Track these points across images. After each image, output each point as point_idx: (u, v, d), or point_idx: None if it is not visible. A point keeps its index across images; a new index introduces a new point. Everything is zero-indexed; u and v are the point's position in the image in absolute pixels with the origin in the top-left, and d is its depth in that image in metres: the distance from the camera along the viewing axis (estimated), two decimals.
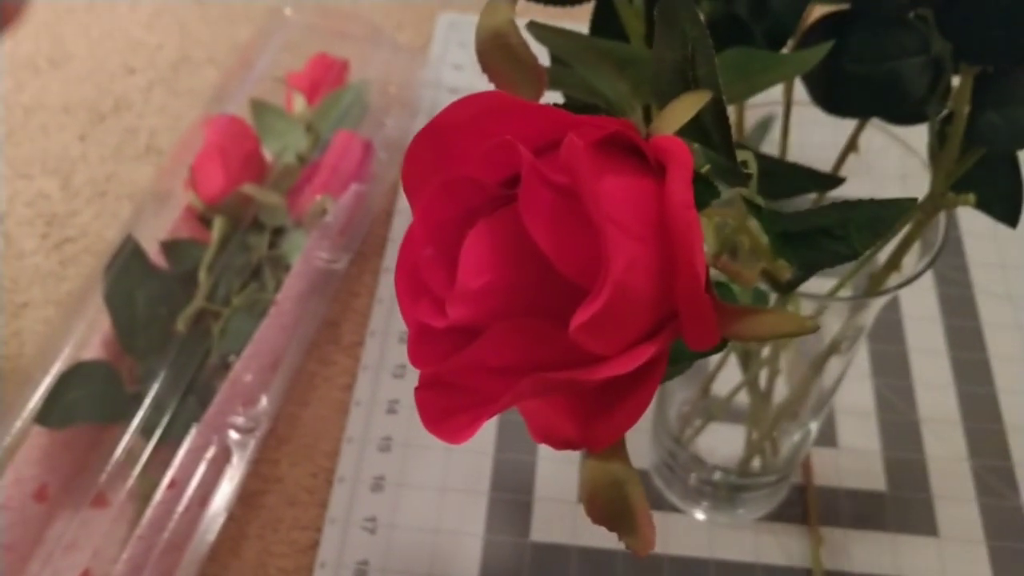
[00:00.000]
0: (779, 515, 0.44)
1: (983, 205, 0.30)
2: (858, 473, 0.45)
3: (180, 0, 0.68)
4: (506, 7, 0.18)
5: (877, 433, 0.47)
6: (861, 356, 0.49)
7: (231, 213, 0.50)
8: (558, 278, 0.16)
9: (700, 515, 0.44)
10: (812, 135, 0.34)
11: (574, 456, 0.46)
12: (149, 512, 0.38)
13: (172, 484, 0.39)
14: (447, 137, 0.17)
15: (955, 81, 0.28)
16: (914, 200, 0.18)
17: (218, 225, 0.49)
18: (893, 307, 0.51)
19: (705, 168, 0.19)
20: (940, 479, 0.45)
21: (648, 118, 0.22)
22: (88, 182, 0.58)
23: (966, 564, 0.43)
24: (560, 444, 0.17)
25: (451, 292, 0.16)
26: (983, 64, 0.27)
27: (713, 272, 0.20)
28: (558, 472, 0.45)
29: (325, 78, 0.56)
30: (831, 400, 0.41)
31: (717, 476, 0.43)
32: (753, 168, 0.20)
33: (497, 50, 0.18)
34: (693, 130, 0.19)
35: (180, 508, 0.39)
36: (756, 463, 0.42)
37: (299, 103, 0.55)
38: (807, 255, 0.18)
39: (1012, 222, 0.29)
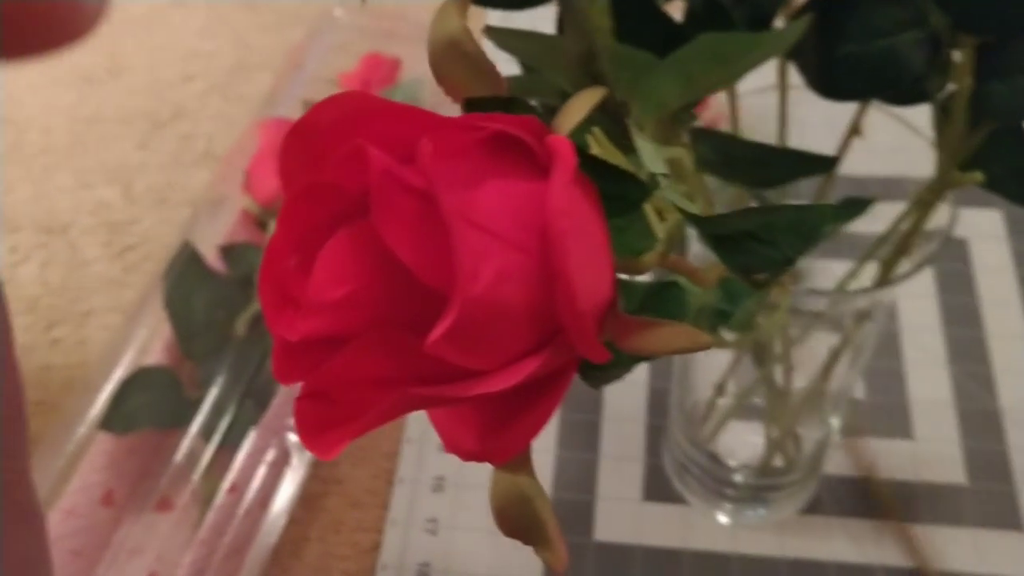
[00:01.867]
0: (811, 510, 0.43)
1: (994, 184, 0.28)
2: (934, 465, 0.43)
3: (233, 7, 0.69)
4: (458, 13, 0.17)
5: (955, 423, 0.45)
6: (937, 342, 0.47)
7: None
8: (424, 289, 0.14)
9: (723, 518, 0.42)
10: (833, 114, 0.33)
11: (637, 454, 0.45)
12: (210, 516, 0.38)
13: (233, 488, 0.39)
14: (315, 140, 0.16)
15: (955, 56, 0.27)
16: (832, 207, 0.16)
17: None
18: (968, 290, 0.49)
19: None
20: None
21: (612, 113, 0.21)
22: (148, 190, 0.58)
23: None
24: (463, 455, 0.16)
25: (292, 305, 0.15)
26: (984, 35, 0.26)
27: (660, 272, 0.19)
28: (621, 470, 0.44)
29: (376, 76, 0.55)
30: (849, 394, 0.39)
31: (738, 478, 0.41)
32: (686, 166, 0.18)
33: (452, 59, 0.17)
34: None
35: (241, 511, 0.39)
36: (779, 461, 0.40)
37: None
38: (741, 260, 0.17)
39: None
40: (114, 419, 0.42)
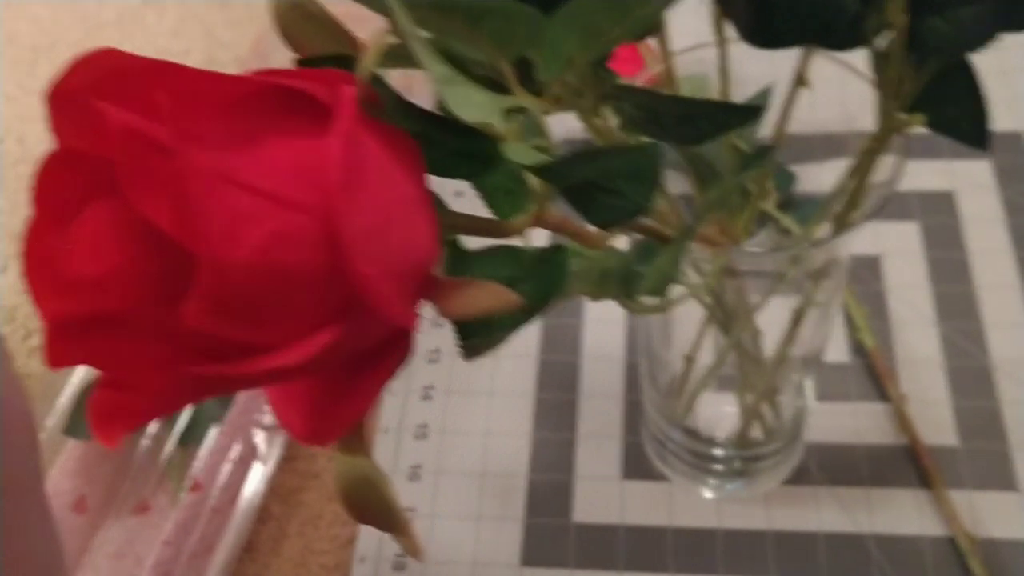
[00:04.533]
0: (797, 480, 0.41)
1: (945, 126, 0.26)
2: (924, 426, 0.41)
3: (204, 4, 0.68)
4: None
5: (945, 382, 0.43)
6: (924, 300, 0.45)
7: None
8: (192, 259, 0.13)
9: (707, 492, 0.41)
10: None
11: (615, 432, 0.44)
12: (174, 516, 0.38)
13: (196, 487, 0.38)
14: (76, 104, 0.14)
15: None
16: (658, 146, 0.15)
17: None
18: (958, 245, 0.47)
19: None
20: (1018, 426, 0.41)
21: (527, 76, 0.20)
22: None
23: None
24: (294, 437, 0.15)
25: (58, 285, 0.14)
26: None
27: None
28: (599, 449, 0.43)
29: None
30: (823, 355, 0.38)
31: (718, 451, 0.40)
32: (536, 116, 0.17)
33: (297, 21, 0.16)
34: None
35: (207, 510, 0.38)
36: (757, 432, 0.39)
37: None
38: (595, 213, 0.15)
39: (980, 142, 0.26)
40: (78, 425, 0.41)
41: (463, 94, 0.14)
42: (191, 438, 0.41)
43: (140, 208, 0.13)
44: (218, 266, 0.12)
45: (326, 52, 0.16)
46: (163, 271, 0.14)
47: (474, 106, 0.14)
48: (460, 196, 0.23)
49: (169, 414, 0.14)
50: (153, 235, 0.13)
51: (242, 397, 0.41)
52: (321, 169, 0.13)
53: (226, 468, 0.39)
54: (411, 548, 0.16)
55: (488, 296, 0.14)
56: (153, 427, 0.42)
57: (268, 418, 0.41)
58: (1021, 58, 0.54)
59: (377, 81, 0.14)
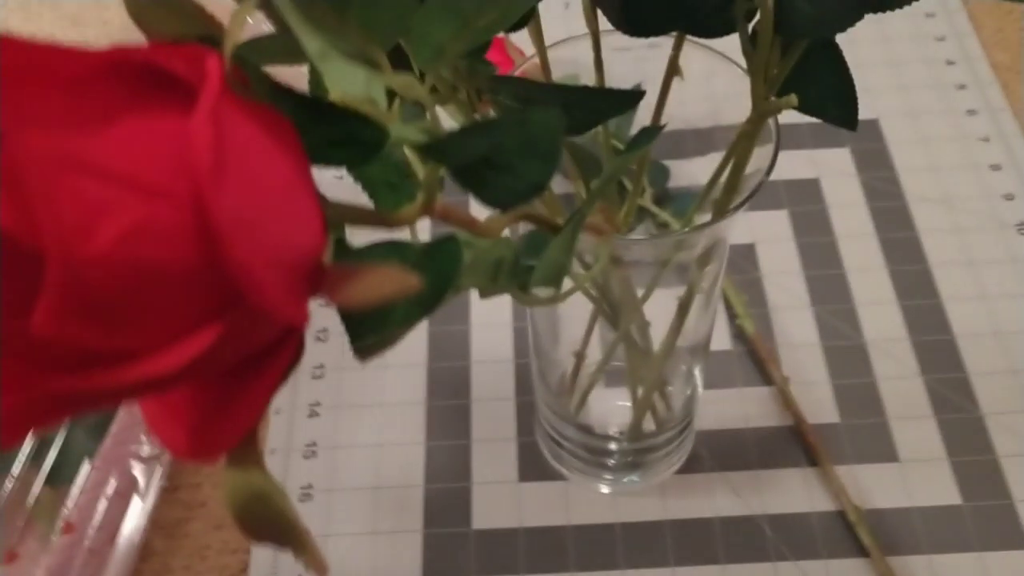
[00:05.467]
0: (690, 469, 0.42)
1: (816, 109, 0.27)
2: (808, 405, 0.43)
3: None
4: None
5: (823, 362, 0.44)
6: (799, 285, 0.47)
7: None
8: (40, 260, 0.11)
9: (603, 488, 0.41)
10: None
11: (509, 435, 0.43)
12: (45, 562, 0.35)
13: (68, 528, 0.36)
14: None
15: None
16: (557, 113, 0.14)
17: None
18: (825, 230, 0.49)
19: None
20: (894, 400, 0.43)
21: (404, 65, 0.19)
22: None
23: (930, 484, 0.40)
24: (177, 454, 0.14)
25: None
26: None
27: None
28: (494, 453, 0.43)
29: None
30: (709, 344, 0.38)
31: (612, 445, 0.40)
32: (421, 96, 0.16)
33: (150, 6, 0.14)
34: None
35: (83, 551, 0.36)
36: (650, 423, 0.39)
37: None
38: (488, 194, 0.15)
39: (850, 124, 0.27)
40: None
41: (343, 69, 0.14)
42: (61, 477, 0.38)
43: None
44: (68, 264, 0.11)
45: (182, 35, 0.15)
46: (9, 277, 0.12)
47: (356, 82, 0.14)
48: (339, 180, 0.22)
49: (22, 438, 0.12)
50: None
51: (116, 427, 0.39)
52: (186, 151, 0.12)
53: (102, 505, 0.37)
54: (315, 564, 0.15)
55: (386, 280, 0.13)
56: (18, 467, 0.39)
57: (146, 448, 0.39)
58: (874, 51, 0.56)
59: (242, 58, 0.13)
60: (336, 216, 0.15)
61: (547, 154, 0.14)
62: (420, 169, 0.17)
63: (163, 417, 0.14)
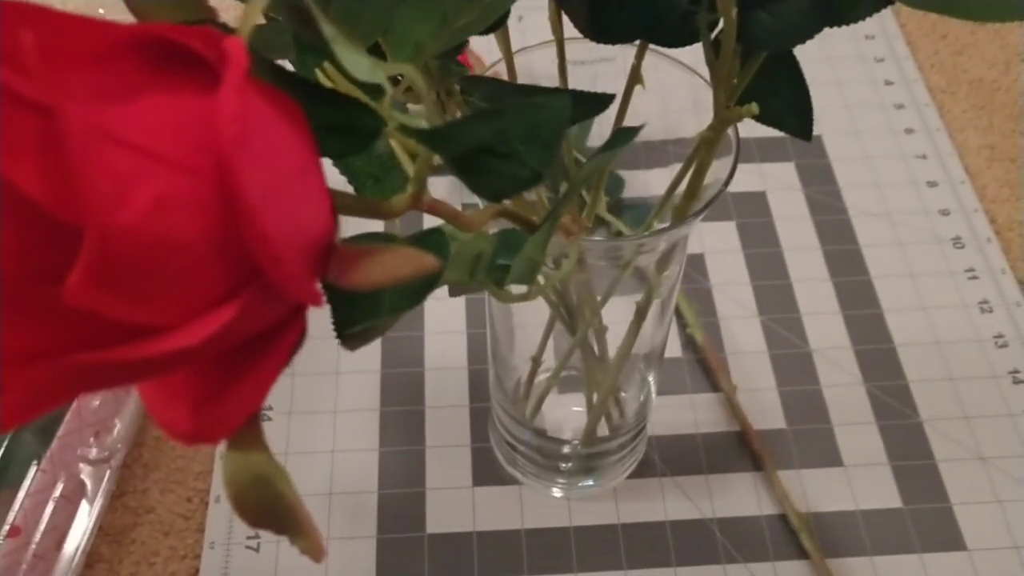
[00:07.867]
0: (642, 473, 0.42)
1: (773, 119, 0.28)
2: (755, 411, 0.44)
3: None
4: None
5: (770, 370, 0.45)
6: (746, 295, 0.48)
7: None
8: (69, 231, 0.11)
9: (556, 492, 0.42)
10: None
11: (464, 440, 0.44)
12: None
13: (14, 532, 0.35)
14: None
15: None
16: (565, 101, 0.15)
17: None
18: (772, 241, 0.50)
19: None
20: (838, 407, 0.44)
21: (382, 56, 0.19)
22: None
23: (873, 488, 0.42)
24: (179, 437, 0.14)
25: None
26: None
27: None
28: (449, 458, 0.43)
29: None
30: (664, 351, 0.39)
31: (567, 450, 0.41)
32: (418, 84, 0.17)
33: None
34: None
35: (28, 556, 0.35)
36: (604, 428, 0.40)
37: None
38: (485, 183, 0.15)
39: (805, 134, 0.28)
40: None
41: (352, 54, 0.14)
42: (9, 480, 0.37)
43: (7, 174, 0.11)
44: (104, 233, 0.11)
45: (176, 21, 0.15)
46: (41, 247, 0.12)
47: (362, 67, 0.14)
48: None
49: (41, 413, 0.12)
50: (21, 205, 0.11)
51: (64, 430, 0.38)
52: (210, 127, 0.12)
53: (49, 509, 0.36)
54: (312, 550, 0.15)
55: (402, 261, 0.13)
56: None
57: (95, 452, 0.38)
58: (819, 71, 0.58)
59: (248, 45, 0.13)
60: (333, 204, 0.15)
61: (550, 140, 0.14)
62: (407, 162, 0.17)
63: (163, 399, 0.14)
